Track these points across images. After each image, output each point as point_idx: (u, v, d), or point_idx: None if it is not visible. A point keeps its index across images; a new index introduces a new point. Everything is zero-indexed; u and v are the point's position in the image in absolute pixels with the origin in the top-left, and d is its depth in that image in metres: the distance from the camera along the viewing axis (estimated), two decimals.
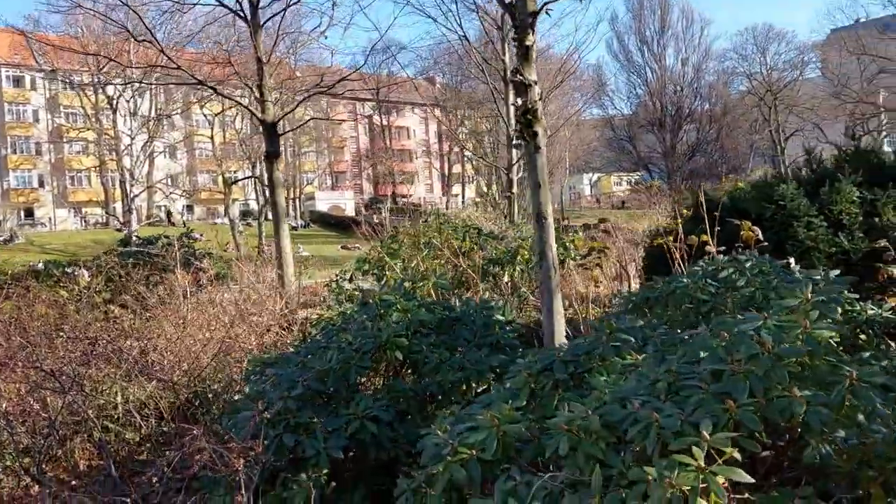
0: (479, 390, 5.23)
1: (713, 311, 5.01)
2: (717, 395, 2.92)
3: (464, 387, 5.06)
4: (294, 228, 64.88)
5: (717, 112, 71.87)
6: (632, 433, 2.91)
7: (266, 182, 14.96)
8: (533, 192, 7.28)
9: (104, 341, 7.08)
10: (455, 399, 4.98)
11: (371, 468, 4.90)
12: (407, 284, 5.97)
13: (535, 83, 7.16)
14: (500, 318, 5.62)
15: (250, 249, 37.67)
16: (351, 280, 12.68)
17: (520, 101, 7.06)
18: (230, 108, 53.32)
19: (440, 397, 5.06)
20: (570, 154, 64.98)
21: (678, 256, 7.55)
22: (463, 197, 76.85)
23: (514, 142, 19.81)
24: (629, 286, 14.13)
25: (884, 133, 63.48)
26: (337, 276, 12.95)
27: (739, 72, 72.83)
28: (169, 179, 63.97)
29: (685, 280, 5.30)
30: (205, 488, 4.81)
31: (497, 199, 44.82)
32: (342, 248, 54.12)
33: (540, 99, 7.20)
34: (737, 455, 2.51)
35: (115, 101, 55.64)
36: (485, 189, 63.49)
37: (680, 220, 8.54)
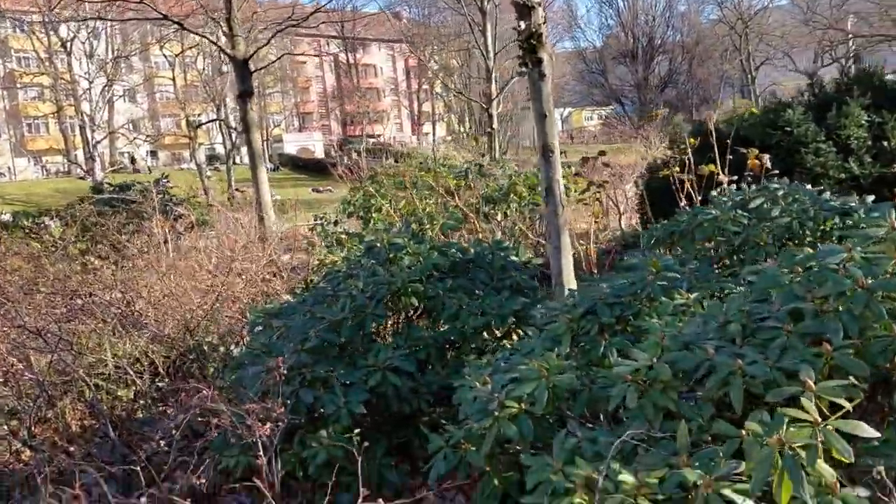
0: (498, 335, 4.96)
1: (746, 245, 4.74)
2: (803, 337, 2.64)
3: (485, 333, 4.77)
4: None
5: (689, 42, 71.09)
6: (710, 383, 2.63)
7: (240, 122, 14.32)
8: (538, 124, 6.90)
9: (86, 294, 6.67)
10: (476, 346, 4.69)
11: (390, 421, 4.64)
12: (414, 226, 5.61)
13: (539, 4, 6.72)
14: (515, 258, 5.30)
15: (220, 195, 36.89)
16: (336, 223, 12.30)
17: (522, 25, 6.61)
18: (190, 47, 51.49)
19: (459, 345, 4.77)
20: None
21: (688, 188, 7.24)
22: (434, 136, 75.71)
23: (493, 74, 19.20)
24: (619, 221, 13.92)
25: (851, 61, 63.36)
26: (321, 218, 12.56)
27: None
28: (130, 124, 61.99)
29: (713, 211, 5.00)
30: (215, 450, 4.52)
31: (468, 136, 44.13)
32: (314, 191, 53.15)
33: (544, 23, 6.77)
34: (848, 405, 2.24)
35: (69, 44, 53.35)
36: (456, 127, 62.52)
37: (680, 151, 8.22)
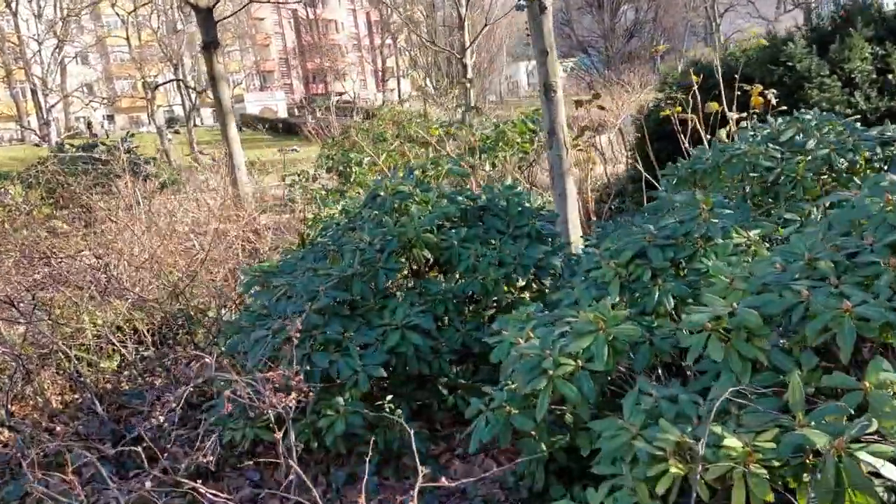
0: (520, 287, 4.61)
1: (780, 180, 4.42)
2: None
3: (505, 285, 4.41)
4: None
5: None
6: (809, 329, 2.29)
7: (207, 76, 13.58)
8: (539, 61, 6.50)
9: (58, 260, 6.17)
10: (498, 298, 4.33)
11: (406, 383, 4.28)
12: (417, 173, 5.19)
13: None
14: (529, 204, 4.92)
15: (181, 157, 35.89)
16: (315, 179, 11.83)
17: None
18: (143, 4, 49.68)
19: (478, 299, 4.40)
20: (507, 42, 63.21)
21: (696, 127, 6.89)
22: (399, 92, 74.25)
23: (466, 22, 18.50)
24: (605, 170, 13.59)
25: (813, 4, 63.44)
26: (299, 176, 12.08)
27: None
28: (85, 88, 59.80)
29: (742, 146, 4.66)
30: (217, 422, 4.13)
31: (437, 89, 43.21)
32: (279, 151, 51.93)
33: None
34: None
35: (14, 3, 50.95)
36: (422, 83, 61.25)
37: (685, 90, 7.84)
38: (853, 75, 7.81)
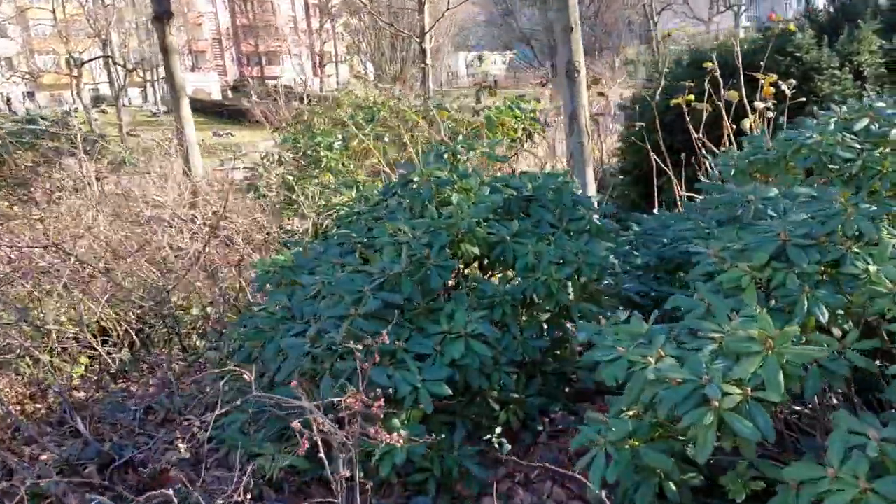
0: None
1: (862, 173, 4.02)
2: None
3: (568, 286, 3.86)
4: (155, 114, 59.57)
5: None
6: None
7: (159, 49, 12.55)
8: (561, 38, 5.99)
9: (14, 248, 5.35)
10: (560, 301, 3.78)
11: (456, 398, 3.71)
12: (447, 156, 4.59)
13: None
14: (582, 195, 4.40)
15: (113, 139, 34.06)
16: (281, 163, 11.09)
17: None
18: None
19: (537, 301, 3.85)
20: (451, 32, 62.71)
21: (723, 117, 6.51)
22: (337, 78, 72.73)
23: (425, 5, 17.83)
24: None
25: (743, 7, 65.36)
26: (263, 159, 11.33)
27: None
28: (3, 62, 56.41)
29: (813, 135, 4.25)
30: (232, 443, 3.49)
31: (371, 77, 42.27)
32: (214, 134, 50.26)
33: None
34: None
35: None
36: (361, 69, 60.05)
37: (673, 82, 7.45)
38: (861, 68, 7.59)
